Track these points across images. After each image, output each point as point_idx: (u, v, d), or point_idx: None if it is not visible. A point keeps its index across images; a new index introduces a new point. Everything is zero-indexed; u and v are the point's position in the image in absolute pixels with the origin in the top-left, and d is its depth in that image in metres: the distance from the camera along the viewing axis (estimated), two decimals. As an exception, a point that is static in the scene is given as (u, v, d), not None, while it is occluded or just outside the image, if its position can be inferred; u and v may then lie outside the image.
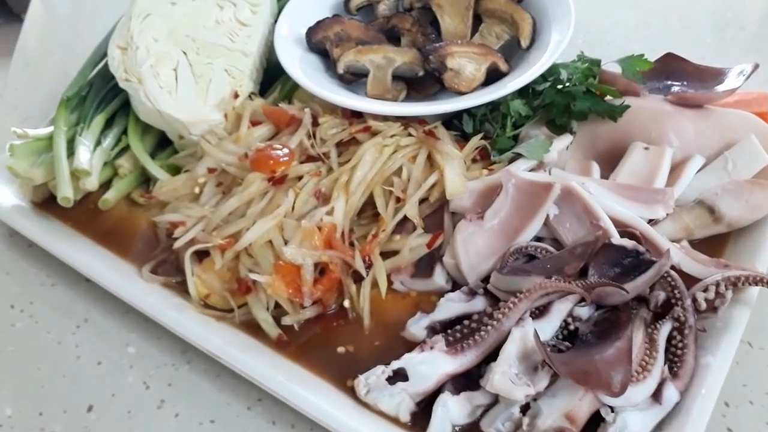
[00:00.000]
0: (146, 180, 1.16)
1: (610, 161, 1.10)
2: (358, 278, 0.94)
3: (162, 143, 1.22)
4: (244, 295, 0.93)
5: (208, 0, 1.24)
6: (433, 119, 1.09)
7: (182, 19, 1.20)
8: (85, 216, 1.12)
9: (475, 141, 1.05)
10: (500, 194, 0.95)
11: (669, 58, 1.24)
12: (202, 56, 1.18)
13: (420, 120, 1.09)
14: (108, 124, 1.20)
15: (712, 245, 0.99)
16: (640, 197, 0.97)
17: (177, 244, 0.98)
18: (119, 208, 1.14)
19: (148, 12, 1.20)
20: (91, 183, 1.09)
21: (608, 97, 1.11)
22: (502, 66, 1.13)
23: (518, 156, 1.03)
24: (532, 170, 1.02)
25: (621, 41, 1.85)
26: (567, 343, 0.84)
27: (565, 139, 1.05)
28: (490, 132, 1.13)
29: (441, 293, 0.94)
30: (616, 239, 0.89)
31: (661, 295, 0.88)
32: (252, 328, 0.93)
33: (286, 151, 1.04)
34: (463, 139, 1.13)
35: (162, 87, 1.14)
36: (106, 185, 1.15)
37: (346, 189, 1.00)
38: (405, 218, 0.98)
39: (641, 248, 0.89)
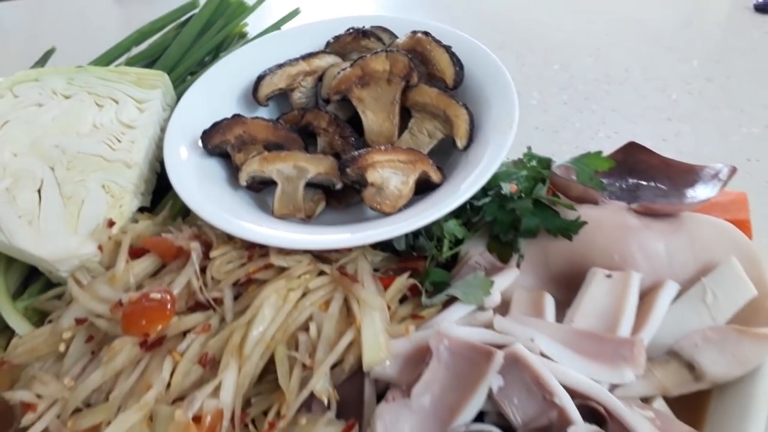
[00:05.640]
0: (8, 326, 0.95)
1: (567, 284, 0.92)
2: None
3: (35, 272, 1.00)
4: None
5: (84, 99, 1.03)
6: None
7: (50, 126, 1.00)
8: None
9: (402, 281, 0.86)
10: (430, 362, 0.75)
11: (632, 148, 1.06)
12: (74, 172, 0.97)
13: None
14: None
15: (692, 402, 0.81)
16: (603, 352, 0.78)
17: (24, 441, 0.77)
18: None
19: (6, 119, 0.99)
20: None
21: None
22: (434, 176, 0.94)
23: (453, 298, 0.84)
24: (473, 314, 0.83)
25: (581, 99, 1.68)
26: None
27: (510, 276, 0.86)
28: (426, 248, 0.95)
29: (359, 492, 0.75)
30: (579, 427, 0.70)
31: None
32: None
33: (167, 297, 0.84)
34: (395, 255, 0.94)
35: (20, 216, 0.92)
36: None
37: (239, 352, 0.79)
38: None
39: (607, 434, 0.70)
